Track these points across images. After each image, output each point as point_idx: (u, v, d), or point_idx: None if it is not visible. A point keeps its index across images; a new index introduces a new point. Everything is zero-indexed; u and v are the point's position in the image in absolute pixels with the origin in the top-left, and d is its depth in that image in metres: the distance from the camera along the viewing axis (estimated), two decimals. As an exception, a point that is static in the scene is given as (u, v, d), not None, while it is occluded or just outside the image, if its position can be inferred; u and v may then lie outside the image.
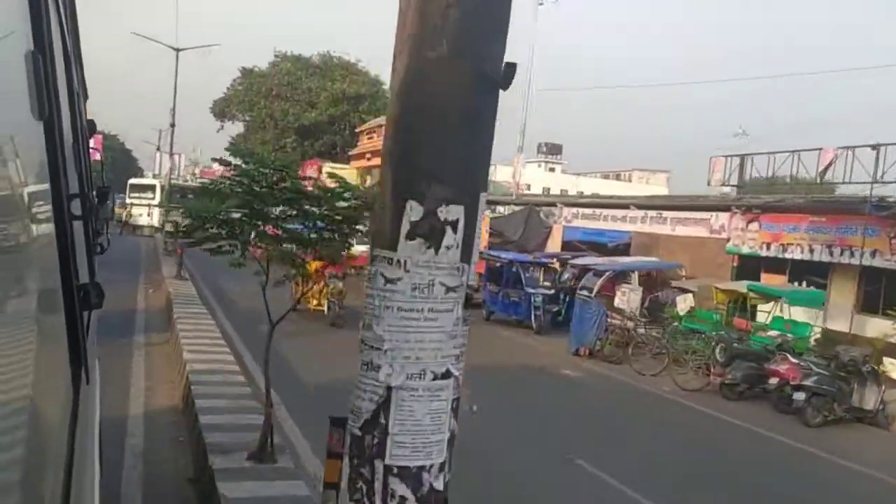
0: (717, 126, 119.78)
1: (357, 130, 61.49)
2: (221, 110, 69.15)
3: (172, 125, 32.62)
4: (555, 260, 21.71)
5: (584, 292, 17.35)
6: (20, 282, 1.15)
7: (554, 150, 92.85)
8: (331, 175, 7.53)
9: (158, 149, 69.23)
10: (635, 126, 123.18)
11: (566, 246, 26.41)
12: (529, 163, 66.17)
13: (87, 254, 2.78)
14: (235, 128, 72.26)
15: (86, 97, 5.91)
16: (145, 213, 42.55)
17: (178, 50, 31.66)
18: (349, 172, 64.71)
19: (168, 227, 24.46)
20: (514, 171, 61.17)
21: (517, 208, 29.77)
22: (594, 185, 68.93)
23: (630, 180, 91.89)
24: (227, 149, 63.12)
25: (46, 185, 1.43)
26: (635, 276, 19.19)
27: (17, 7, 1.23)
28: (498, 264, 20.43)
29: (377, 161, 44.92)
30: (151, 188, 43.51)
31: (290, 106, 65.90)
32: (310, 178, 9.51)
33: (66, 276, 1.60)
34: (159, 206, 43.42)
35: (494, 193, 51.62)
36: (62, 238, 1.58)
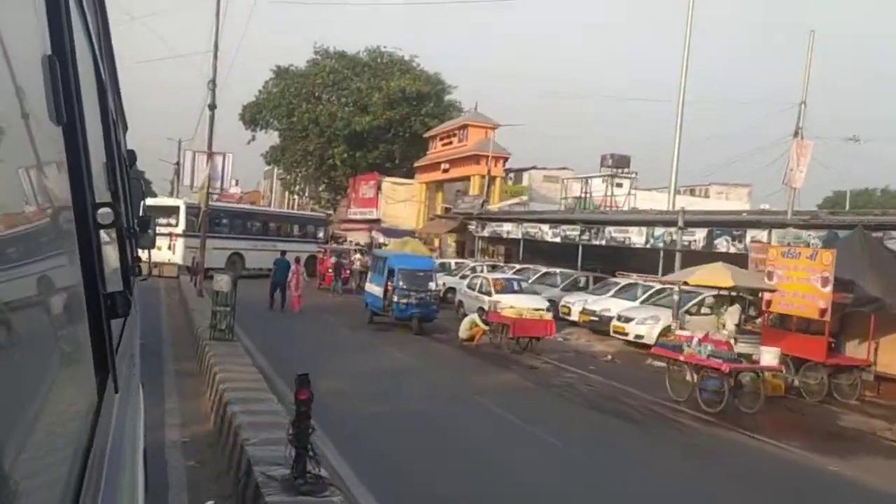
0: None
1: (426, 136, 49.19)
2: (252, 117, 57.11)
3: (212, 107, 20.22)
4: None
5: None
6: (39, 288, 1.17)
7: (621, 162, 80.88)
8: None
9: (177, 164, 57.25)
10: (700, 135, 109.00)
11: None
12: (592, 177, 53.51)
13: (121, 267, 2.65)
14: (269, 138, 60.17)
15: (125, 128, 5.44)
16: (165, 245, 30.25)
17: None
18: (415, 188, 52.73)
19: (222, 286, 12.06)
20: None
21: (809, 235, 17.10)
22: (664, 202, 56.92)
23: (707, 196, 79.98)
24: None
25: (68, 192, 1.44)
26: None
27: (36, 15, 1.27)
28: None
29: (459, 171, 31.16)
30: (172, 211, 31.32)
31: (337, 109, 53.74)
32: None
33: (90, 283, 1.59)
34: (183, 235, 31.35)
35: (588, 210, 39.47)
36: (86, 245, 1.57)
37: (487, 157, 37.98)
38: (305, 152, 55.18)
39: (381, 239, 47.18)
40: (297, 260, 23.00)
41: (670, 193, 37.35)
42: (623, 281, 22.98)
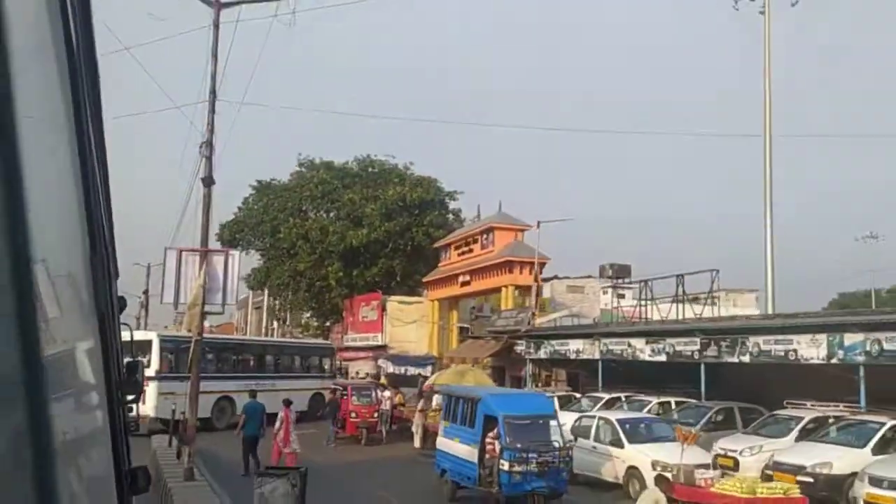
0: (802, 233, 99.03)
1: (437, 246, 42.90)
2: (232, 236, 50.26)
3: (207, 181, 12.60)
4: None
5: None
6: (69, 465, 1.10)
7: (622, 272, 75.01)
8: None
9: (145, 292, 49.63)
10: (692, 240, 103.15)
11: None
12: (651, 280, 47.32)
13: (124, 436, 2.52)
14: (249, 261, 53.09)
15: (117, 275, 4.84)
16: (131, 392, 22.52)
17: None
18: (425, 307, 45.59)
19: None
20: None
21: None
22: (669, 312, 50.65)
23: (714, 303, 73.79)
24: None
25: (101, 374, 1.36)
26: None
27: (78, 223, 1.28)
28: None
29: (484, 283, 23.27)
30: (142, 348, 23.71)
31: (328, 223, 47.48)
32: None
33: (117, 461, 1.48)
34: (157, 377, 23.97)
35: (604, 322, 32.80)
36: (113, 423, 1.46)
37: (533, 262, 31.59)
38: (295, 272, 48.24)
39: (391, 368, 39.64)
40: (287, 403, 15.72)
41: (767, 293, 30.86)
42: (806, 415, 15.85)
